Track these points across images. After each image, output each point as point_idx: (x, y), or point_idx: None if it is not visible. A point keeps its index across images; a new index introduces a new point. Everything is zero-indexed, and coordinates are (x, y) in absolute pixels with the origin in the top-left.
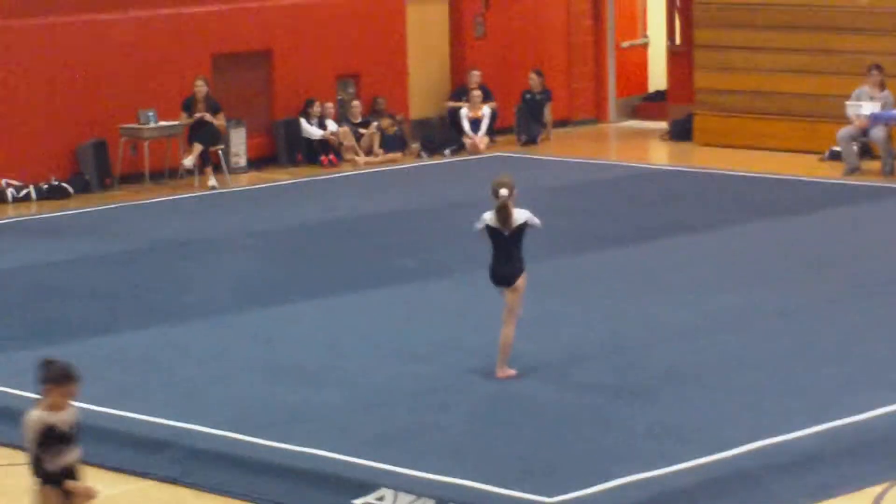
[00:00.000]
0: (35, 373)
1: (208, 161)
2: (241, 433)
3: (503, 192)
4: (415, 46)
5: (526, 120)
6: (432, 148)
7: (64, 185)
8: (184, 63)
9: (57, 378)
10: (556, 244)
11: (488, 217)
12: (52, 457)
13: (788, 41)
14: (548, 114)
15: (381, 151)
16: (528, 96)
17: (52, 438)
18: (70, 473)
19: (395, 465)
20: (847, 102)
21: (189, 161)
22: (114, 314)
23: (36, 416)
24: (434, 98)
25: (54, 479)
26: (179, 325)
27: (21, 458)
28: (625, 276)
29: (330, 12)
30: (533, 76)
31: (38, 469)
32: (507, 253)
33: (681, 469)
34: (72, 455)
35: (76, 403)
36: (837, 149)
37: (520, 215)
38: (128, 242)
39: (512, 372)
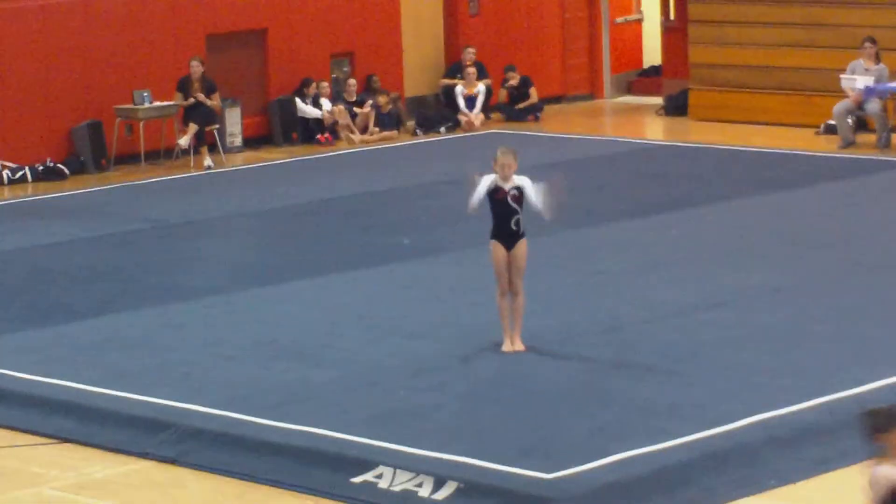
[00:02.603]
0: (862, 425)
1: (204, 141)
2: (239, 413)
3: (502, 153)
4: (409, 24)
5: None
6: (427, 125)
7: (60, 166)
8: (178, 43)
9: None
10: (553, 220)
11: (490, 179)
12: None
13: (783, 15)
14: (533, 95)
15: (376, 130)
16: (513, 93)
17: None
18: None
19: (393, 443)
20: (841, 76)
21: (184, 141)
22: (110, 295)
23: (887, 474)
24: (429, 76)
25: None
26: (176, 305)
27: (21, 439)
28: (621, 251)
29: None
30: (510, 74)
31: None
32: (507, 214)
33: (679, 444)
34: None
35: (72, 384)
36: (833, 122)
37: (519, 179)
38: (124, 223)
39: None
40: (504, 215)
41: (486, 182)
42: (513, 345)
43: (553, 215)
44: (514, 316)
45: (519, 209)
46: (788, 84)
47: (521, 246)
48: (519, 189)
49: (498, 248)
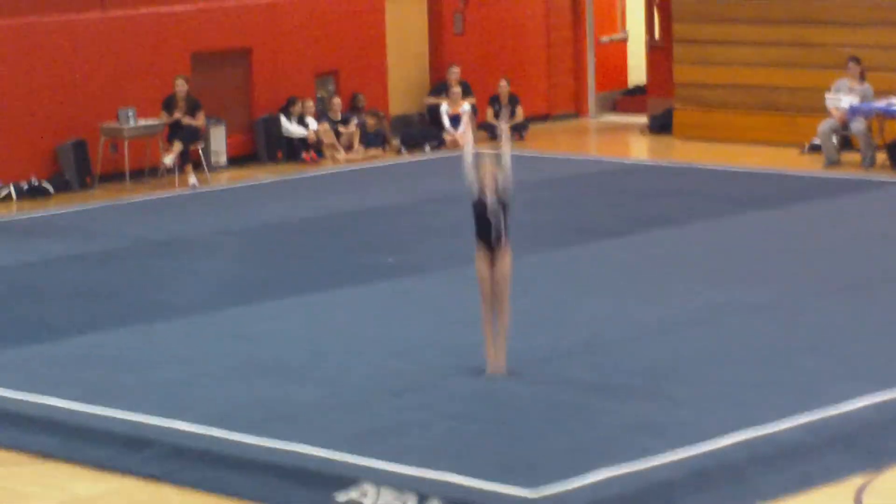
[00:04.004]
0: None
1: (188, 159)
2: (222, 430)
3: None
4: (394, 43)
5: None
6: (412, 144)
7: (44, 184)
8: (163, 62)
9: None
10: (536, 239)
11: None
12: None
13: (767, 34)
14: (520, 114)
15: (361, 148)
16: (496, 107)
17: None
18: None
19: (376, 460)
20: (826, 95)
21: (169, 160)
22: (94, 313)
23: None
24: (414, 94)
25: None
26: (159, 323)
27: (3, 457)
28: (604, 270)
29: (309, 10)
30: (502, 84)
31: None
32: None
33: (662, 463)
34: None
35: (56, 402)
36: (818, 142)
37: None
38: (108, 241)
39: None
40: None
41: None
42: (495, 362)
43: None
44: (497, 334)
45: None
46: (773, 103)
47: (505, 261)
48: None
49: (481, 258)
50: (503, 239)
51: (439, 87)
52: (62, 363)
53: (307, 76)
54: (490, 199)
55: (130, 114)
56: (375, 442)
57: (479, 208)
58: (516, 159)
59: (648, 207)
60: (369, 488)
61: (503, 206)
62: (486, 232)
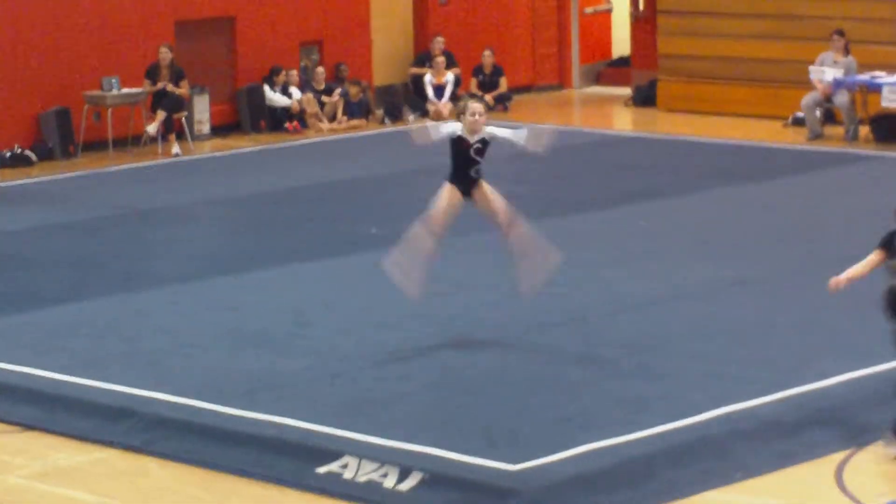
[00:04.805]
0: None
1: (172, 128)
2: (204, 401)
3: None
4: (378, 13)
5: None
6: (396, 114)
7: (27, 152)
8: (147, 30)
9: None
10: (521, 211)
11: (457, 127)
12: None
13: (752, 6)
14: (503, 84)
15: (344, 118)
16: (479, 77)
17: None
18: None
19: (358, 432)
20: (810, 68)
21: (153, 128)
22: (77, 282)
23: None
24: (397, 64)
25: None
26: (143, 293)
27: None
28: (588, 243)
29: None
30: (486, 54)
31: None
32: (467, 164)
33: (645, 436)
34: None
35: (38, 371)
36: (801, 115)
37: (487, 131)
38: (91, 210)
39: None
40: (463, 164)
41: (451, 128)
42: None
43: (540, 149)
44: (525, 265)
45: (480, 160)
46: (757, 75)
47: (483, 186)
48: (484, 142)
49: (452, 191)
50: (481, 174)
51: (423, 58)
52: (45, 332)
53: (291, 45)
54: (473, 138)
55: (114, 82)
56: (359, 414)
57: (460, 144)
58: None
59: (631, 180)
60: (350, 460)
61: (484, 145)
62: (464, 168)
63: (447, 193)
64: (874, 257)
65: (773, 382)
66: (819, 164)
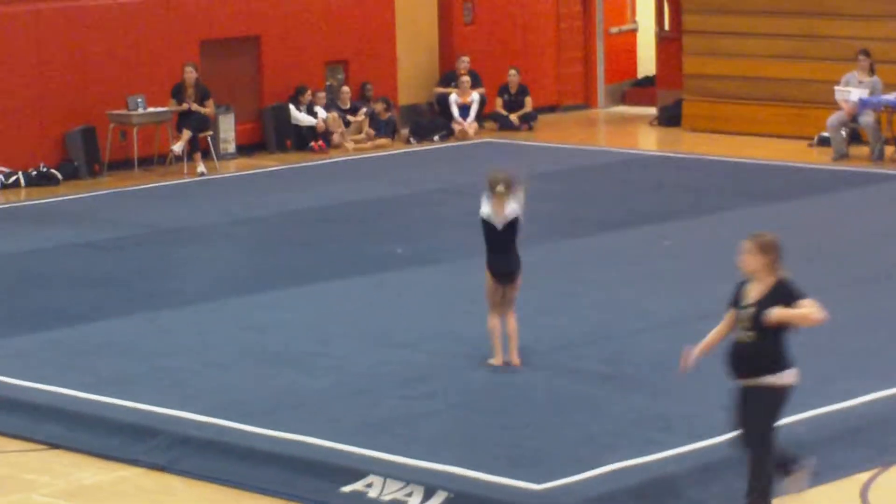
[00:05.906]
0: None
1: (197, 147)
2: (229, 420)
3: (500, 188)
4: (403, 32)
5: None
6: (421, 134)
7: (53, 171)
8: (172, 49)
9: None
10: (545, 230)
11: (485, 208)
12: None
13: (777, 26)
14: (528, 105)
15: (371, 132)
16: (505, 96)
17: None
18: None
19: (383, 452)
20: (836, 88)
21: (178, 147)
22: (102, 301)
23: None
24: (423, 84)
25: None
26: (167, 311)
27: (10, 445)
28: (613, 262)
29: None
30: (512, 73)
31: None
32: (501, 246)
33: (669, 456)
34: None
35: (62, 389)
36: (826, 135)
37: (511, 210)
38: (116, 229)
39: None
40: (496, 242)
41: (483, 205)
42: (506, 356)
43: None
44: (508, 338)
45: (512, 236)
46: (782, 95)
47: (517, 282)
48: (512, 223)
49: (491, 280)
50: (515, 273)
51: (448, 77)
52: (69, 351)
53: (317, 65)
54: (499, 223)
55: (140, 101)
56: (382, 433)
57: (487, 228)
58: (525, 149)
59: (656, 199)
60: (375, 480)
61: (512, 230)
62: (497, 261)
63: (488, 283)
64: (727, 318)
65: (797, 402)
66: (844, 184)
